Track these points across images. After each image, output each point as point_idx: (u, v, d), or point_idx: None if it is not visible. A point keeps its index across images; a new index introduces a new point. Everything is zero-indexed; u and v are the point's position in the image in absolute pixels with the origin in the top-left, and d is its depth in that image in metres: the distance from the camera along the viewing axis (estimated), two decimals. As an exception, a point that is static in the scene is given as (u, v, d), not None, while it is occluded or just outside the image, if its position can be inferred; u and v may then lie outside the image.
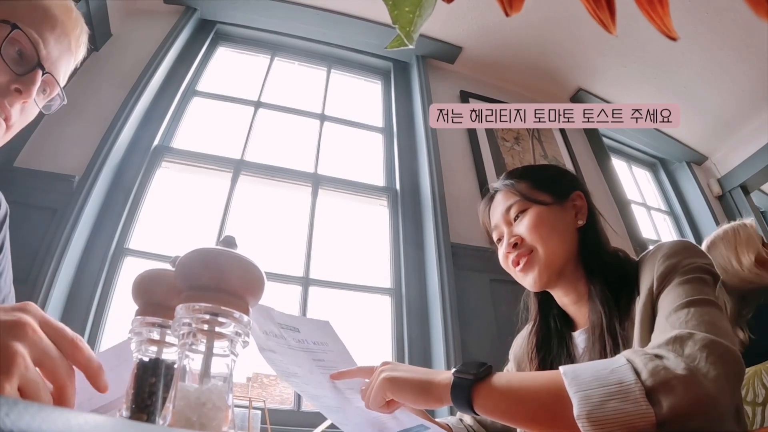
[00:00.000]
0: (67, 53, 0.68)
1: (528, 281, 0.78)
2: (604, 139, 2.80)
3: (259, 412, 1.26)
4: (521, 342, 0.90)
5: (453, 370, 0.56)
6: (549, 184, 0.81)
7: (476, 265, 1.83)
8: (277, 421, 1.38)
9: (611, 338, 0.68)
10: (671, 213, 3.04)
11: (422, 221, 1.97)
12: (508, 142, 2.38)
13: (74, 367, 0.35)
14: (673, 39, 0.24)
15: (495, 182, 0.87)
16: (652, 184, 3.19)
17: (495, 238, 0.84)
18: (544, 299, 0.84)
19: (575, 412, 0.44)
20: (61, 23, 0.65)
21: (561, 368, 0.49)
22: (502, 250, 0.81)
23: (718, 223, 2.79)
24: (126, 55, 1.99)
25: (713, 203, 2.97)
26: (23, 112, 0.64)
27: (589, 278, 0.76)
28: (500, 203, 0.82)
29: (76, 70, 0.74)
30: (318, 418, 0.81)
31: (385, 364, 0.62)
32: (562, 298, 0.81)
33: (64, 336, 0.34)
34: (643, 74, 2.61)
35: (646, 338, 0.61)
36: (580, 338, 0.78)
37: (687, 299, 0.58)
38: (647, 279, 0.67)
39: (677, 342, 0.50)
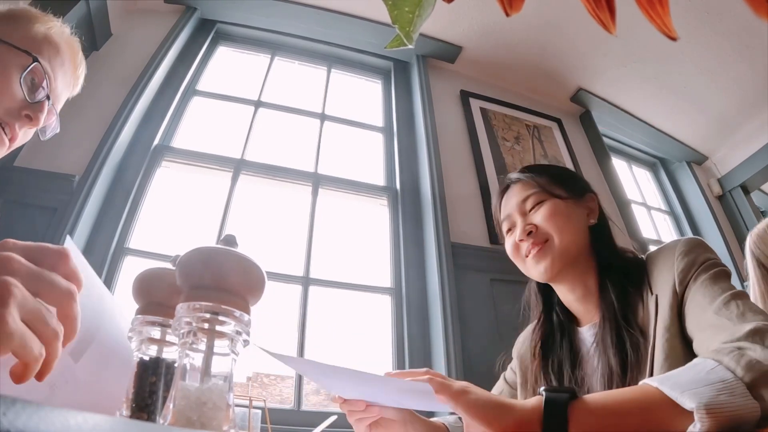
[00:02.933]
0: (67, 89, 0.77)
1: (539, 269, 0.77)
2: (605, 139, 2.80)
3: (260, 411, 1.26)
4: (524, 339, 0.91)
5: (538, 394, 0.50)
6: (566, 181, 0.83)
7: (476, 264, 1.83)
8: (277, 420, 1.38)
9: (624, 330, 0.69)
10: (671, 213, 3.04)
11: (422, 221, 1.97)
12: (508, 142, 2.38)
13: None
14: (673, 39, 0.24)
15: (512, 174, 0.87)
16: (652, 184, 3.19)
17: (506, 228, 0.84)
18: (548, 296, 0.85)
19: (692, 405, 0.42)
20: (68, 61, 0.75)
21: (647, 381, 0.48)
22: (511, 239, 0.82)
23: (718, 223, 2.81)
24: (126, 54, 1.99)
25: (713, 203, 2.97)
26: (24, 134, 0.72)
27: (602, 273, 0.77)
28: (516, 194, 0.84)
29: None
30: (318, 417, 0.81)
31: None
32: (567, 294, 0.81)
33: (47, 252, 0.34)
34: (644, 74, 2.61)
35: (675, 334, 0.63)
36: (588, 333, 0.78)
37: (728, 293, 0.60)
38: (665, 277, 0.68)
39: (757, 334, 0.51)
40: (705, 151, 3.13)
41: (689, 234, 2.86)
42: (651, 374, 0.63)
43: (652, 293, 0.69)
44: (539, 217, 0.79)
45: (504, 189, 0.88)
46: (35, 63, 0.67)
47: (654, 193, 3.13)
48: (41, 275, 0.32)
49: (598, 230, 0.82)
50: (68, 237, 0.58)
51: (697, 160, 3.16)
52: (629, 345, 0.68)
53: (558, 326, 0.83)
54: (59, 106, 0.76)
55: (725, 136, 2.99)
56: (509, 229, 0.84)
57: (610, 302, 0.73)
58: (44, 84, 0.69)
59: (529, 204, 0.81)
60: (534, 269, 0.79)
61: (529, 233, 0.78)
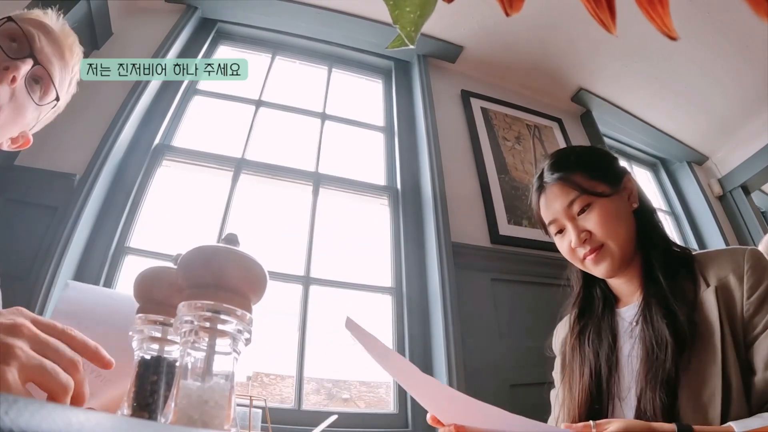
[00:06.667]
0: (60, 58, 0.74)
1: (600, 271, 0.79)
2: (605, 139, 2.80)
3: (260, 410, 1.26)
4: (560, 328, 0.92)
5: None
6: (603, 173, 0.81)
7: (477, 264, 1.83)
8: (277, 419, 1.38)
9: (672, 303, 0.70)
10: (672, 213, 3.04)
11: (423, 220, 1.97)
12: (509, 142, 2.38)
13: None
14: (673, 39, 0.24)
15: (546, 176, 0.84)
16: (652, 184, 3.19)
17: (554, 230, 0.84)
18: (588, 274, 0.85)
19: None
20: (53, 31, 0.73)
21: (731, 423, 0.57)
22: (565, 242, 0.81)
23: (718, 223, 2.81)
24: (127, 53, 1.99)
25: (714, 203, 2.97)
26: (13, 99, 0.67)
27: (648, 254, 0.78)
28: (558, 197, 0.81)
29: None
30: (318, 417, 0.81)
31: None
32: None
33: (55, 329, 0.37)
34: (645, 74, 2.61)
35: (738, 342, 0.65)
36: (628, 313, 0.79)
37: None
38: (731, 278, 0.69)
39: None
40: (705, 151, 3.13)
41: (689, 234, 2.87)
42: (724, 363, 0.63)
43: (708, 285, 0.70)
44: (591, 223, 0.78)
45: (541, 189, 0.85)
46: (9, 21, 0.67)
47: (654, 193, 3.13)
48: (48, 342, 0.35)
49: (642, 212, 0.82)
50: (69, 282, 0.62)
51: (697, 160, 3.16)
52: (683, 317, 0.68)
53: (599, 301, 0.84)
54: (56, 75, 0.73)
55: (726, 136, 2.98)
56: (559, 231, 0.83)
57: (656, 278, 0.74)
58: (26, 43, 0.68)
59: (576, 208, 0.79)
60: (594, 270, 0.80)
61: (585, 241, 0.78)
